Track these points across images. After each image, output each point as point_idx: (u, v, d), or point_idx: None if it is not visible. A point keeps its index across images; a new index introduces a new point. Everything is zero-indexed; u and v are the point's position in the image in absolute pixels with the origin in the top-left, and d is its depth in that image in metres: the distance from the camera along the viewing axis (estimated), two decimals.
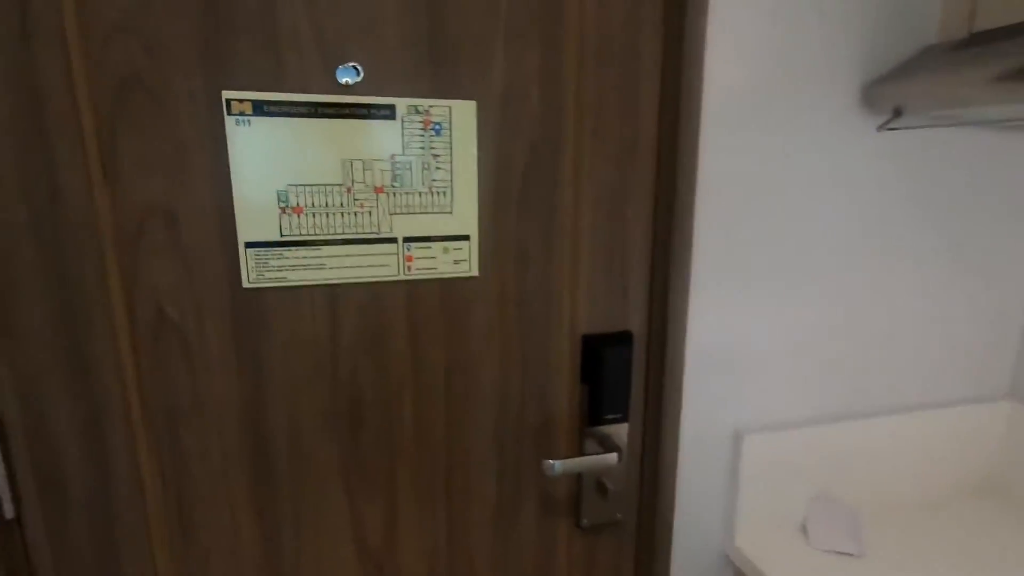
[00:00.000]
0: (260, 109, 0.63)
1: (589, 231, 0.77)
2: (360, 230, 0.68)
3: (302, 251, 0.67)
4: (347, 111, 0.65)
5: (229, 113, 0.62)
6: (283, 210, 0.66)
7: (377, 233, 0.69)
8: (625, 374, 0.80)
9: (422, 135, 0.68)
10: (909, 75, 0.76)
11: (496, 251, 0.74)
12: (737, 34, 0.72)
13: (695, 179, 0.76)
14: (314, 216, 0.67)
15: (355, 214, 0.68)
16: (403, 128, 0.67)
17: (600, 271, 0.78)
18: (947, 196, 0.87)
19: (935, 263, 0.89)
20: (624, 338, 0.80)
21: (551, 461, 0.75)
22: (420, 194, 0.69)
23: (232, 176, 0.64)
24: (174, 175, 0.62)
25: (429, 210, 0.70)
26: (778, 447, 0.86)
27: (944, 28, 0.79)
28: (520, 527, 0.83)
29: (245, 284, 0.66)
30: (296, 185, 0.65)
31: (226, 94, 0.62)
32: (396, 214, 0.69)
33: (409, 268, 0.71)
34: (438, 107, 0.68)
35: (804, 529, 0.89)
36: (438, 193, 0.70)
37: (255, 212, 0.65)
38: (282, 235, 0.66)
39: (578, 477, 0.83)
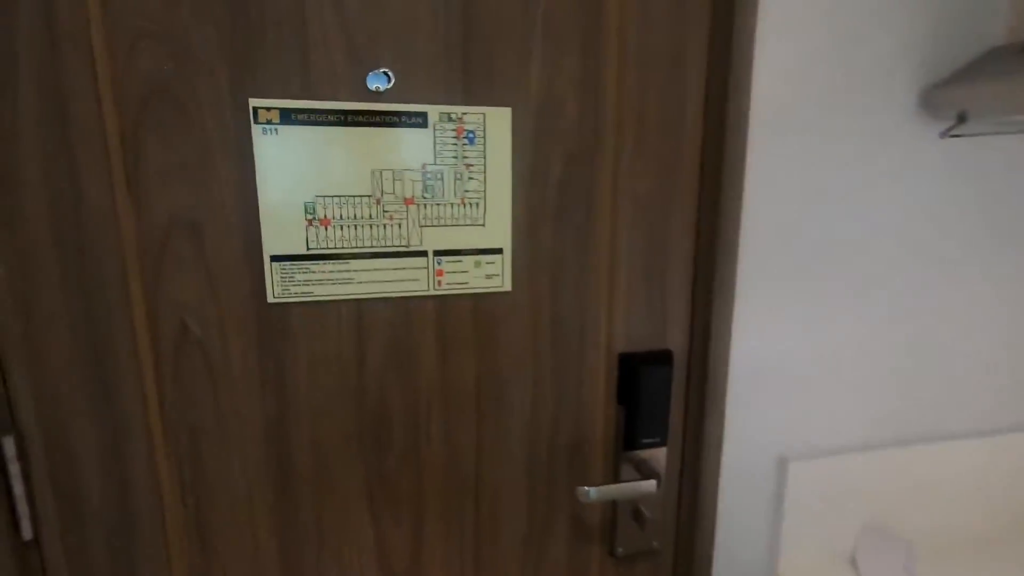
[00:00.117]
0: (288, 117, 0.60)
1: (627, 244, 0.73)
2: (389, 243, 0.65)
3: (329, 265, 0.64)
4: (377, 119, 0.62)
5: (256, 122, 0.60)
6: (310, 222, 0.63)
7: (407, 246, 0.66)
8: (664, 395, 0.75)
9: (455, 144, 0.65)
10: (974, 78, 0.70)
11: (530, 265, 0.70)
12: (789, 35, 0.68)
13: (742, 189, 0.71)
14: (342, 228, 0.64)
15: (384, 226, 0.65)
16: (435, 136, 0.64)
17: (639, 286, 0.74)
18: (1016, 207, 0.81)
19: (1002, 278, 0.83)
20: (663, 357, 0.76)
21: (586, 488, 0.70)
22: (452, 205, 0.66)
23: (258, 187, 0.61)
24: (199, 186, 0.60)
25: (461, 222, 0.67)
26: (826, 474, 0.81)
27: (1012, 29, 0.74)
28: (551, 554, 0.79)
29: (270, 299, 0.64)
30: (324, 196, 0.63)
31: (253, 102, 0.59)
32: (426, 226, 0.66)
33: (439, 283, 0.68)
34: (472, 114, 0.65)
35: (854, 562, 0.83)
36: (470, 204, 0.67)
37: (281, 224, 0.62)
38: (308, 248, 0.63)
39: (613, 503, 0.79)
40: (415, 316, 0.68)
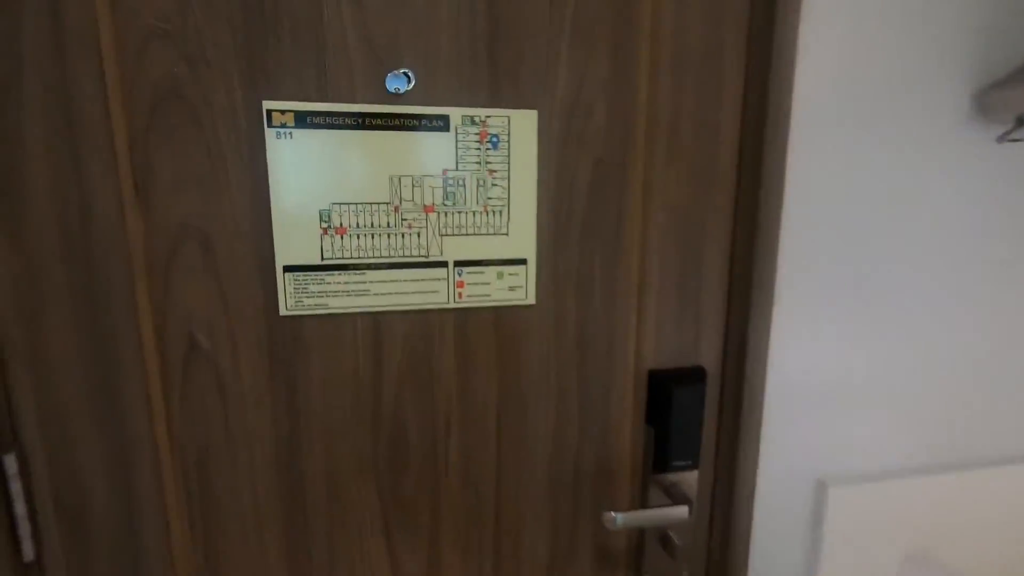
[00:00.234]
0: (303, 121, 0.57)
1: (658, 255, 0.69)
2: (407, 253, 0.62)
3: (344, 276, 0.61)
4: (396, 122, 0.59)
5: (270, 125, 0.57)
6: (325, 231, 0.60)
7: (426, 256, 0.62)
8: (696, 415, 0.71)
9: (478, 148, 0.62)
10: None
11: (555, 277, 0.67)
12: (834, 33, 0.64)
13: (782, 197, 0.67)
14: (358, 238, 0.61)
15: (402, 235, 0.62)
16: (457, 141, 0.61)
17: (670, 299, 0.70)
18: None
19: None
20: (696, 375, 0.71)
21: (613, 514, 0.66)
22: (474, 214, 0.63)
23: (271, 194, 0.58)
24: (209, 193, 0.57)
25: (483, 231, 0.63)
26: (868, 500, 0.76)
27: None
28: None
29: (282, 311, 0.60)
30: (340, 203, 0.60)
31: (267, 104, 0.56)
32: (447, 235, 0.63)
33: (460, 295, 0.64)
34: (496, 117, 0.61)
35: None
36: (493, 212, 0.63)
37: (295, 233, 0.59)
38: (323, 258, 0.60)
39: (640, 530, 0.74)
40: (434, 330, 0.65)
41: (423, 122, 0.60)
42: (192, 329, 0.60)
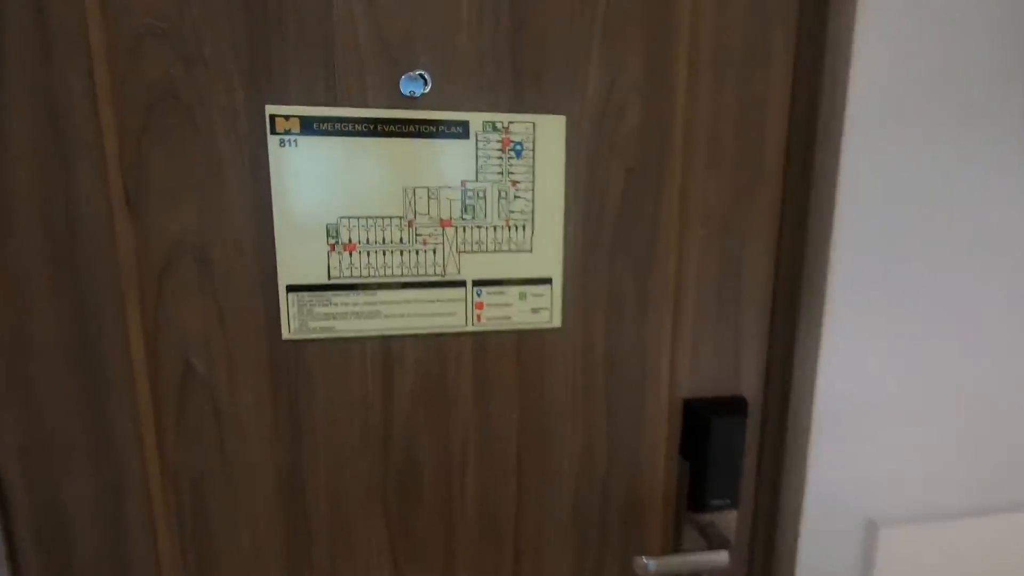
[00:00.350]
0: (309, 127, 0.52)
1: (696, 273, 0.63)
2: (422, 271, 0.57)
3: (353, 296, 0.56)
4: (411, 129, 0.54)
5: (273, 132, 0.52)
6: (332, 247, 0.55)
7: (442, 275, 0.57)
8: (736, 449, 0.65)
9: (499, 157, 0.56)
10: None
11: (583, 297, 0.61)
12: (892, 29, 0.58)
13: (833, 211, 0.61)
14: (369, 255, 0.55)
15: (417, 252, 0.56)
16: (477, 149, 0.56)
17: (708, 323, 0.64)
18: None
19: None
20: (736, 405, 0.65)
21: (645, 559, 0.60)
22: (495, 228, 0.57)
23: (274, 206, 0.53)
24: (207, 205, 0.52)
25: (504, 248, 0.58)
26: (924, 542, 0.69)
27: None
28: None
29: (285, 335, 0.55)
30: (349, 217, 0.54)
31: (270, 109, 0.51)
32: (465, 252, 0.57)
33: (479, 317, 0.59)
34: (520, 123, 0.56)
35: None
36: (516, 227, 0.58)
37: (300, 249, 0.54)
38: (330, 277, 0.55)
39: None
40: (450, 355, 0.59)
41: (440, 128, 0.54)
42: (187, 353, 0.55)
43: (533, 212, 0.58)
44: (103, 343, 0.53)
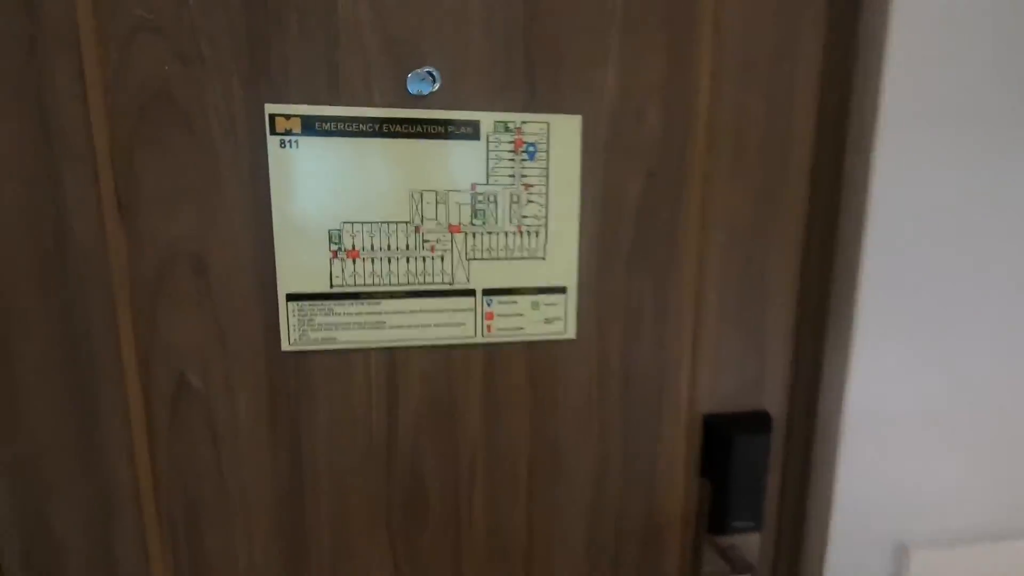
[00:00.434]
0: (311, 127, 0.49)
1: (717, 283, 0.60)
2: (429, 280, 0.54)
3: (356, 306, 0.53)
4: (419, 129, 0.51)
5: (273, 132, 0.49)
6: (335, 254, 0.52)
7: (451, 284, 0.54)
8: (760, 468, 0.61)
9: (512, 159, 0.53)
10: None
11: (599, 308, 0.58)
12: (928, 28, 0.54)
13: (864, 220, 0.57)
14: (373, 262, 0.52)
15: (424, 259, 0.53)
16: (488, 150, 0.53)
17: (730, 334, 0.61)
18: None
19: None
20: (759, 421, 0.62)
21: None
22: (506, 235, 0.54)
23: (274, 211, 0.50)
24: (203, 210, 0.50)
25: (516, 255, 0.55)
26: (957, 566, 0.65)
27: None
28: None
29: (285, 346, 0.52)
30: (352, 223, 0.52)
31: (270, 108, 0.49)
32: (475, 260, 0.54)
33: (489, 328, 0.55)
34: (533, 123, 0.53)
35: None
36: (529, 233, 0.55)
37: (300, 257, 0.51)
38: (332, 286, 0.52)
39: None
40: (458, 368, 0.56)
41: (449, 129, 0.52)
42: (182, 366, 0.52)
43: (547, 217, 0.55)
44: (94, 356, 0.50)
